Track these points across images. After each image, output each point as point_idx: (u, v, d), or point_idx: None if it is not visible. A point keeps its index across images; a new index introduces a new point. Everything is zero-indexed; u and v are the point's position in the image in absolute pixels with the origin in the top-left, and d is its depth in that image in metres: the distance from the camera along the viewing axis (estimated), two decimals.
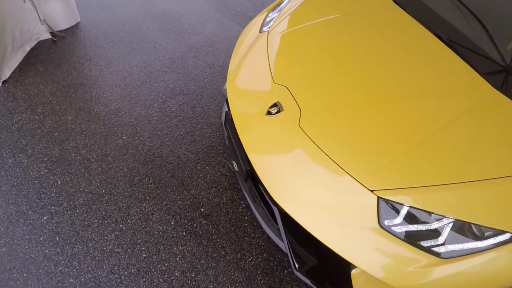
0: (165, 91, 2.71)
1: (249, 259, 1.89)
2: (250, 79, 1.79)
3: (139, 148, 2.33)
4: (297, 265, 1.52)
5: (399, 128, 1.40)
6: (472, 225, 1.20)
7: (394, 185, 1.27)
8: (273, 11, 2.14)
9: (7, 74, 2.68)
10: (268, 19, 2.07)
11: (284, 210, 1.39)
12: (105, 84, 2.73)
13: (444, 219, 1.21)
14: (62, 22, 3.15)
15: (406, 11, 1.85)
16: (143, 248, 1.89)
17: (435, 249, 1.20)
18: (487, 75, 1.54)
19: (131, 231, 1.95)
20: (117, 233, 1.94)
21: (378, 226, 1.23)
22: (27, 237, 1.90)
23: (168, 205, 2.07)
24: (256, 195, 1.78)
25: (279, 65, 1.72)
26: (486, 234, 1.20)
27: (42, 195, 2.06)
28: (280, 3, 2.17)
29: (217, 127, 2.49)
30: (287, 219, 1.46)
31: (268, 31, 1.94)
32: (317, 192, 1.36)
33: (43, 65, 2.83)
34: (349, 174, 1.32)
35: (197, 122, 2.51)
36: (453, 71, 1.58)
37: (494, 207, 1.24)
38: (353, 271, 1.34)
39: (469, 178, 1.26)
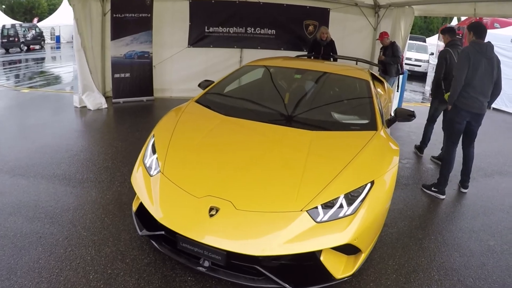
0: None
1: None
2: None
3: None
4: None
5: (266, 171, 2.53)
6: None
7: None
8: (146, 158, 2.74)
9: None
10: (147, 165, 2.67)
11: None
12: None
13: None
14: None
15: (242, 118, 3.14)
16: None
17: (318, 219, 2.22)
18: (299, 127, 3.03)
19: None
20: None
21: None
22: None
23: None
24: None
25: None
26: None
27: None
28: (147, 151, 2.79)
29: None
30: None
31: (158, 172, 2.56)
32: None
33: None
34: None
35: None
36: (280, 133, 2.95)
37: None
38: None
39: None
